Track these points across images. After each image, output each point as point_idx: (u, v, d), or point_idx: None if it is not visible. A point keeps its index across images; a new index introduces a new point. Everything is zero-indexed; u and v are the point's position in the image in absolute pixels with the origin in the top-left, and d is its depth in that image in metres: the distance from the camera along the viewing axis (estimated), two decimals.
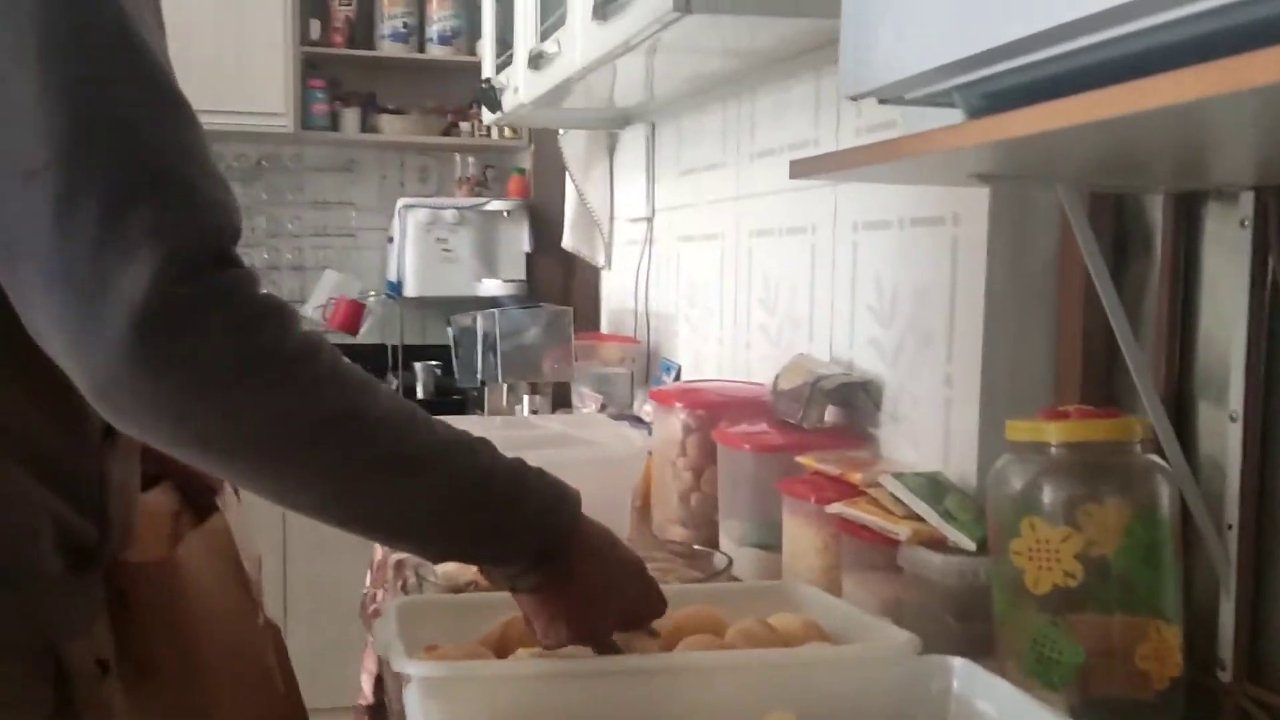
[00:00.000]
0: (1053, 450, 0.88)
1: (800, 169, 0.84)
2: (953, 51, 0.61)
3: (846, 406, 1.38)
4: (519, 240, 3.44)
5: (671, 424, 1.53)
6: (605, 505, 1.46)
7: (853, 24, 0.69)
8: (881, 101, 0.71)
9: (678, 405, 1.52)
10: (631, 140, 2.26)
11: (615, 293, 2.47)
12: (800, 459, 1.28)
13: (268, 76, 3.16)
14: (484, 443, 0.75)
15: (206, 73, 3.10)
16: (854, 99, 0.70)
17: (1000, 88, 0.63)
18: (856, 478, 1.18)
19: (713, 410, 1.50)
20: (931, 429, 1.24)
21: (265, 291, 0.65)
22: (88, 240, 0.59)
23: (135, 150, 0.62)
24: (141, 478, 0.87)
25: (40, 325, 0.61)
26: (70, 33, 0.62)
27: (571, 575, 0.77)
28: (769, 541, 1.33)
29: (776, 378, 1.44)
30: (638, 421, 1.94)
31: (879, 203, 1.32)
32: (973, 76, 0.63)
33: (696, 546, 1.35)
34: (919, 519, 1.07)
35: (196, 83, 2.91)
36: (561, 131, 2.51)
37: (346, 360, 0.69)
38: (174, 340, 0.60)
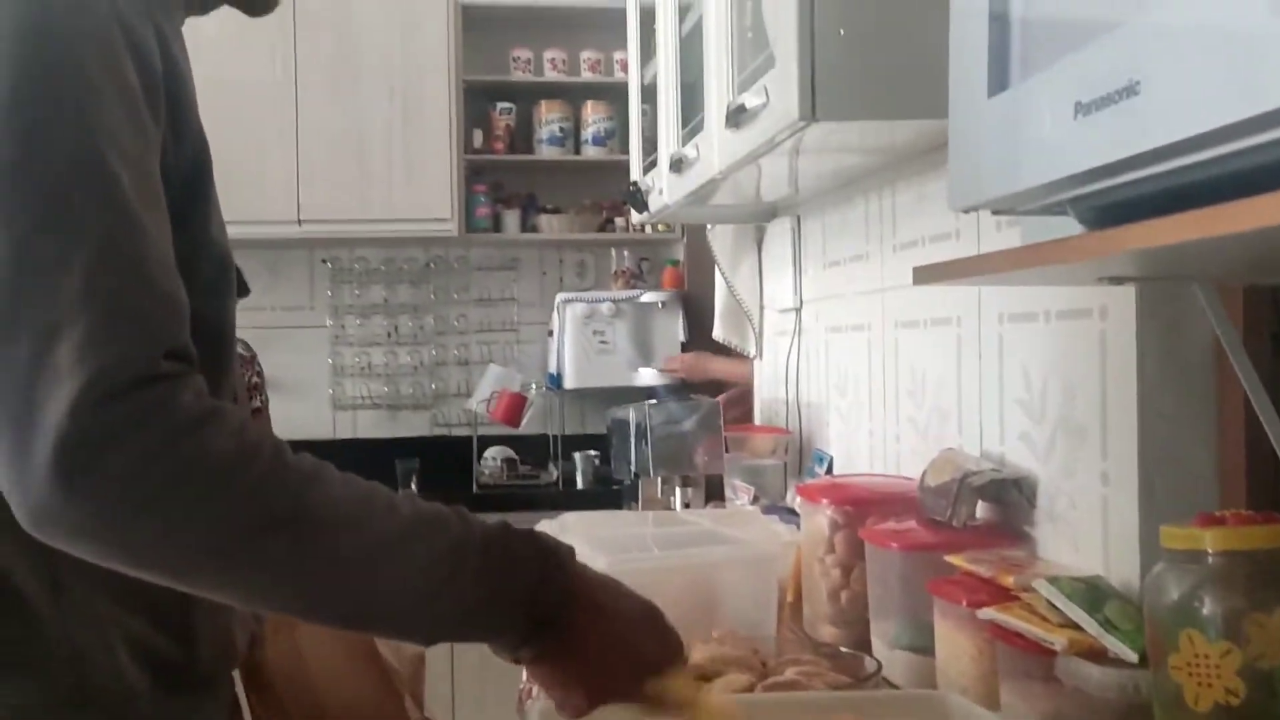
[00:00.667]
0: (1210, 559, 0.84)
1: (924, 275, 0.85)
2: (1067, 166, 0.61)
3: (998, 504, 1.34)
4: (674, 330, 3.50)
5: (818, 520, 1.52)
6: (754, 602, 1.46)
7: (960, 139, 0.69)
8: (994, 213, 0.71)
9: (824, 501, 1.51)
10: (778, 233, 2.29)
11: (767, 382, 2.48)
12: (950, 559, 1.24)
13: (435, 185, 3.35)
14: (458, 514, 0.72)
15: (381, 185, 3.33)
16: (965, 212, 0.70)
17: (1118, 200, 0.63)
18: (1009, 580, 1.14)
19: (860, 506, 1.48)
20: (1089, 529, 1.19)
21: (197, 398, 0.63)
22: (21, 372, 0.60)
23: (68, 280, 0.61)
24: None
25: None
26: (14, 165, 0.63)
27: (573, 638, 0.73)
28: (922, 644, 1.29)
29: (924, 473, 1.41)
30: (790, 514, 1.92)
31: (1024, 295, 1.30)
32: (1090, 189, 0.62)
33: (845, 649, 1.32)
34: (1077, 627, 1.03)
35: (373, 194, 3.12)
36: (710, 226, 2.56)
37: (295, 456, 0.67)
38: (96, 464, 0.59)
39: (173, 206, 0.71)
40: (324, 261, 3.66)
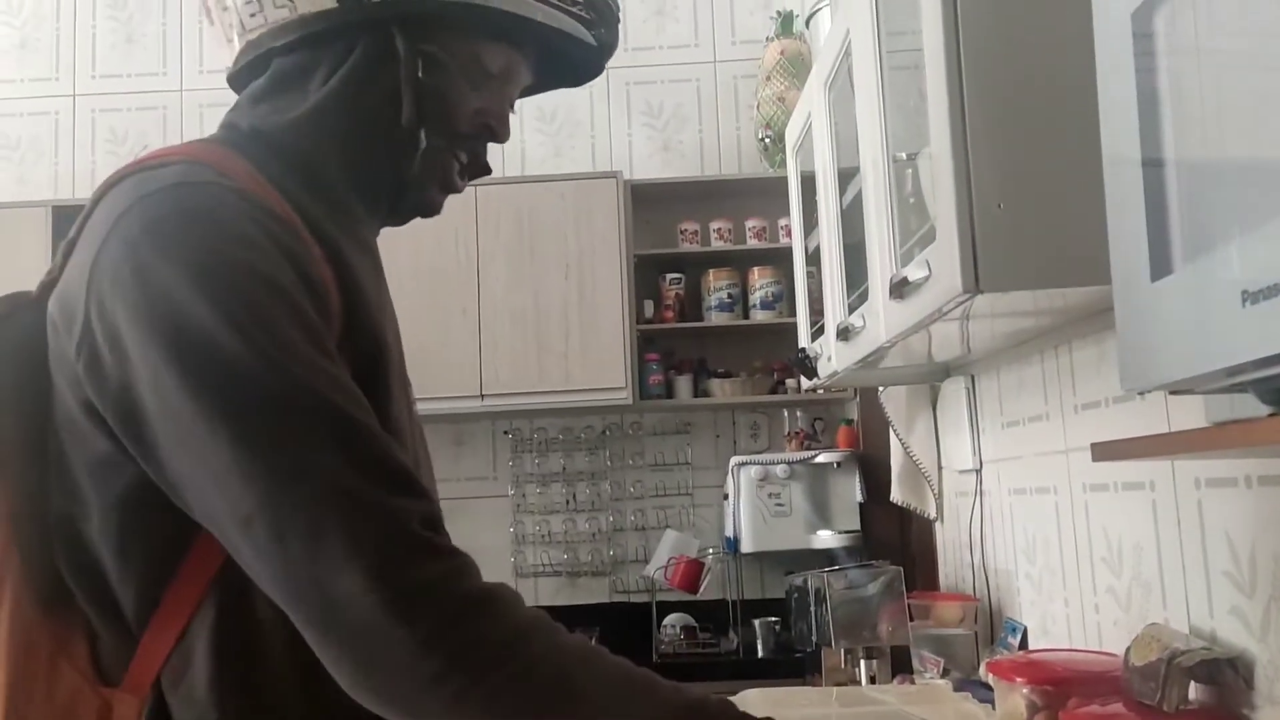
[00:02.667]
0: None
1: (1104, 452, 0.82)
2: (1239, 354, 0.59)
3: (1211, 685, 1.24)
4: (851, 491, 3.43)
5: (1015, 700, 1.43)
6: None
7: (1127, 322, 0.68)
8: (1173, 393, 0.69)
9: (1020, 681, 1.43)
10: (953, 393, 2.25)
11: (950, 545, 2.39)
12: None
13: (609, 356, 3.47)
14: (666, 683, 0.77)
15: (557, 358, 3.47)
16: (1140, 394, 0.68)
17: None
18: None
19: (1060, 686, 1.39)
20: None
21: (476, 580, 0.72)
22: (304, 572, 0.70)
23: (316, 488, 0.71)
24: None
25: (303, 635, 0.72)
26: (250, 398, 0.72)
27: None
28: None
29: (1128, 651, 1.32)
30: (983, 689, 1.82)
31: (1221, 459, 1.23)
32: (1268, 374, 0.60)
33: None
34: None
35: (550, 367, 3.25)
36: (881, 387, 2.54)
37: (564, 636, 0.75)
38: (410, 629, 0.69)
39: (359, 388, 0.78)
40: (505, 433, 3.80)
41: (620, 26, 1.00)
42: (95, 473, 0.78)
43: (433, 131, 0.90)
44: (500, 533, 3.76)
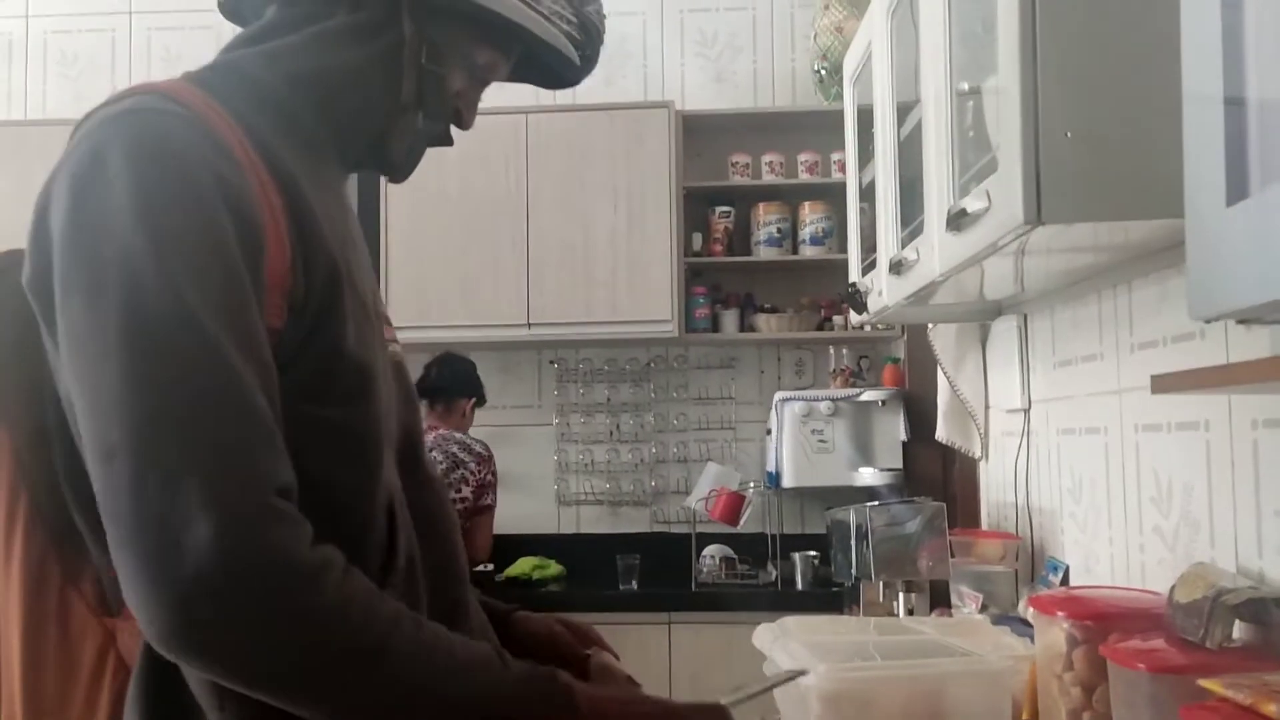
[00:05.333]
0: None
1: (1164, 384, 0.81)
2: None
3: (1258, 624, 1.24)
4: (895, 429, 3.43)
5: (1055, 634, 1.44)
6: (986, 718, 1.40)
7: (1199, 248, 0.67)
8: (1240, 322, 0.68)
9: (1060, 615, 1.43)
10: (1004, 331, 2.23)
11: (994, 485, 2.39)
12: (1204, 683, 1.15)
13: (656, 288, 3.47)
14: (498, 661, 0.81)
15: (604, 289, 3.47)
16: (1206, 322, 0.68)
17: None
18: (1272, 709, 1.04)
19: (1101, 621, 1.39)
20: None
21: (311, 549, 0.73)
22: (153, 512, 0.70)
23: (188, 434, 0.71)
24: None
25: (120, 580, 0.72)
26: (141, 334, 0.73)
27: None
28: None
29: (1172, 589, 1.32)
30: (1022, 625, 1.83)
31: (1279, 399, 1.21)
32: None
33: None
34: None
35: (597, 298, 3.27)
36: (931, 324, 2.52)
37: (381, 604, 0.77)
38: (225, 599, 0.70)
39: (306, 325, 0.82)
40: (551, 362, 3.83)
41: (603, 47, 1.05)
42: (68, 402, 0.80)
43: (428, 112, 0.97)
44: (545, 460, 3.81)
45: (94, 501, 0.78)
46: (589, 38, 1.02)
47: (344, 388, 0.85)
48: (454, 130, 1.02)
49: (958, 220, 1.36)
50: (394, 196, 3.50)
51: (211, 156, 0.79)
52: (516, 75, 1.06)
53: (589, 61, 1.04)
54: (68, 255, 0.76)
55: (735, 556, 3.47)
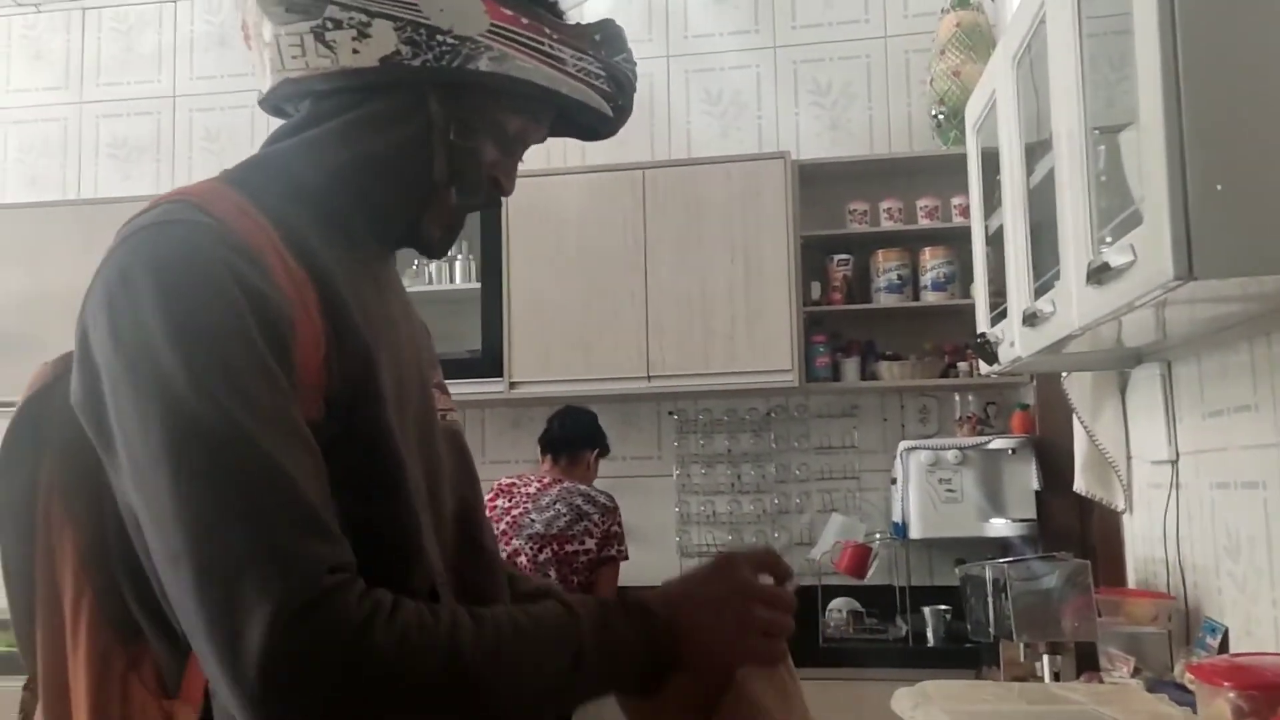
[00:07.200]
0: None
1: None
2: None
3: None
4: (1026, 478, 3.31)
5: (1219, 706, 1.37)
6: None
7: None
8: None
9: (1226, 685, 1.36)
10: (1145, 380, 2.14)
11: (1140, 539, 2.28)
12: None
13: (775, 338, 3.45)
14: (572, 620, 0.86)
15: (723, 340, 3.47)
16: None
17: None
18: None
19: (1270, 693, 1.32)
20: None
21: (359, 602, 0.77)
22: (217, 613, 0.75)
23: (236, 534, 0.76)
24: None
25: (207, 675, 0.77)
26: (185, 445, 0.77)
27: (680, 654, 0.88)
28: None
29: None
30: (1179, 690, 1.74)
31: None
32: None
33: None
34: None
35: (716, 349, 3.28)
36: (1065, 373, 2.44)
37: (433, 620, 0.80)
38: (296, 677, 0.74)
39: (341, 406, 0.85)
40: (671, 414, 3.84)
41: (635, 94, 1.06)
42: (128, 511, 0.85)
43: (462, 188, 0.98)
44: (665, 512, 3.80)
45: (153, 598, 0.85)
46: (620, 88, 1.02)
47: (378, 478, 0.88)
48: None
49: (1099, 274, 1.32)
50: (516, 255, 3.58)
51: (235, 261, 0.83)
52: (554, 132, 1.07)
53: (622, 111, 1.04)
54: (110, 380, 0.81)
55: (863, 610, 3.39)
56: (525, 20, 0.95)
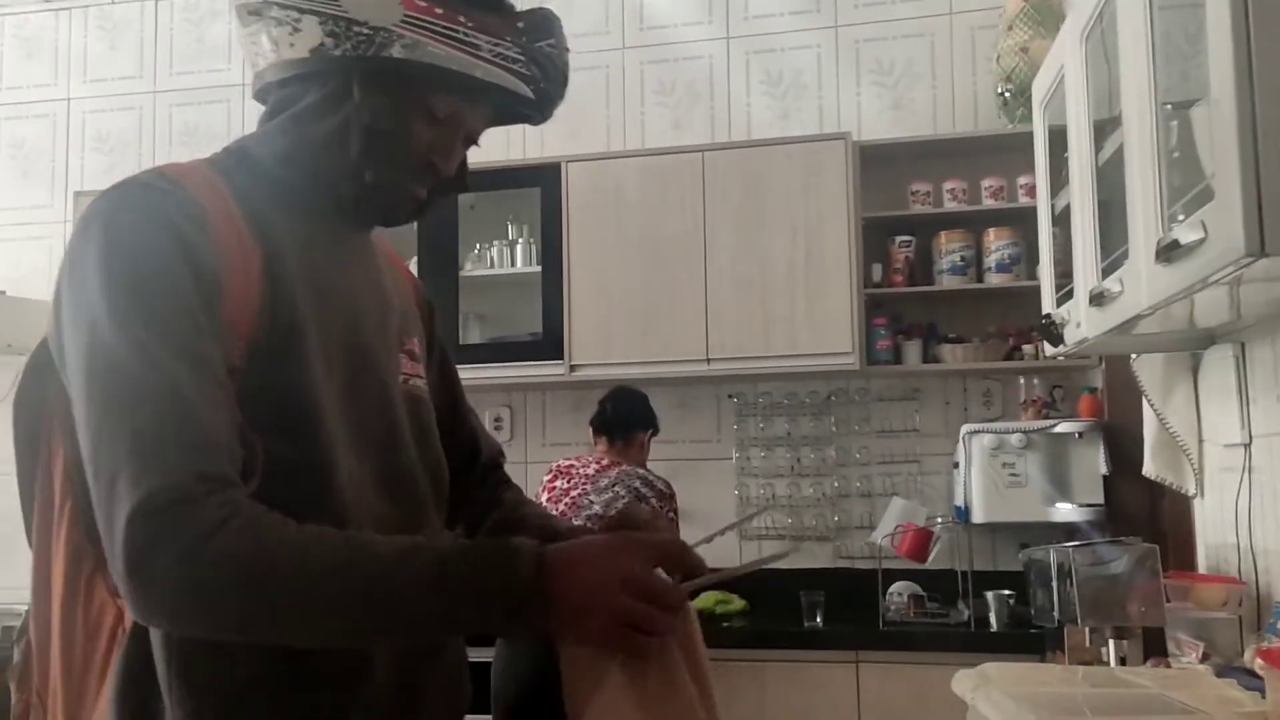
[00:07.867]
0: None
1: None
2: None
3: None
4: (1094, 463, 3.26)
5: None
6: None
7: None
8: None
9: None
10: (1218, 361, 2.10)
11: (1211, 524, 2.24)
12: None
13: (836, 320, 3.43)
14: (426, 546, 0.91)
15: (783, 322, 3.46)
16: None
17: None
18: None
19: None
20: None
21: (219, 508, 0.86)
22: (103, 509, 0.88)
23: (127, 441, 0.88)
24: None
25: None
26: (101, 369, 0.91)
27: (552, 606, 0.89)
28: None
29: None
30: (1250, 677, 1.70)
31: None
32: None
33: None
34: None
35: (776, 332, 3.26)
36: (1134, 355, 2.39)
37: (311, 543, 0.88)
38: (147, 564, 0.86)
39: (266, 356, 0.97)
40: (730, 397, 3.84)
41: (567, 79, 1.11)
42: None
43: (379, 168, 1.07)
44: (725, 495, 3.81)
45: None
46: (544, 71, 1.08)
47: (293, 424, 0.98)
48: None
49: (1169, 251, 1.30)
50: (576, 239, 3.60)
51: (179, 221, 0.96)
52: (498, 120, 1.14)
53: (548, 95, 1.10)
54: (60, 313, 0.96)
55: (924, 594, 3.37)
56: (440, 10, 1.03)
